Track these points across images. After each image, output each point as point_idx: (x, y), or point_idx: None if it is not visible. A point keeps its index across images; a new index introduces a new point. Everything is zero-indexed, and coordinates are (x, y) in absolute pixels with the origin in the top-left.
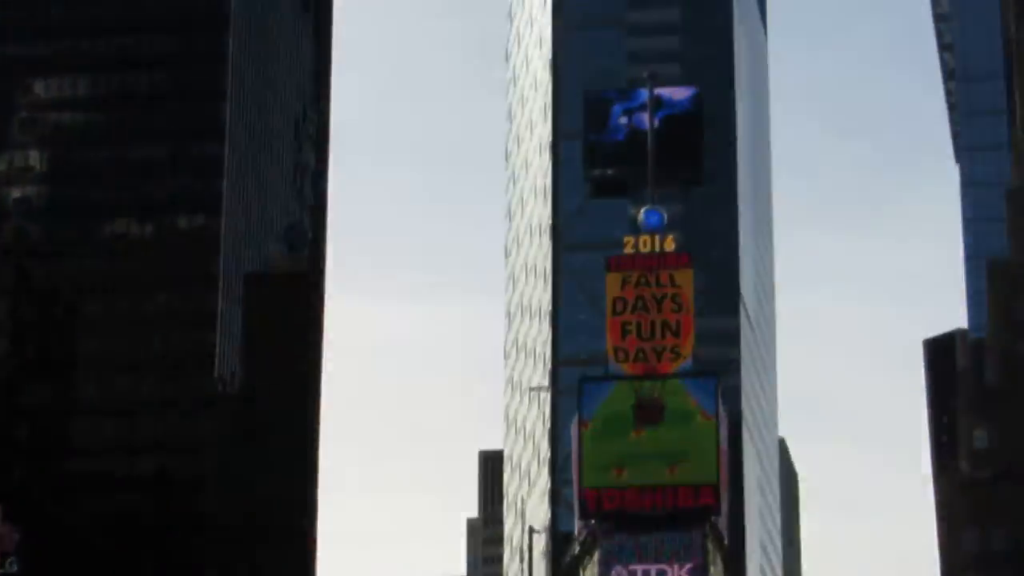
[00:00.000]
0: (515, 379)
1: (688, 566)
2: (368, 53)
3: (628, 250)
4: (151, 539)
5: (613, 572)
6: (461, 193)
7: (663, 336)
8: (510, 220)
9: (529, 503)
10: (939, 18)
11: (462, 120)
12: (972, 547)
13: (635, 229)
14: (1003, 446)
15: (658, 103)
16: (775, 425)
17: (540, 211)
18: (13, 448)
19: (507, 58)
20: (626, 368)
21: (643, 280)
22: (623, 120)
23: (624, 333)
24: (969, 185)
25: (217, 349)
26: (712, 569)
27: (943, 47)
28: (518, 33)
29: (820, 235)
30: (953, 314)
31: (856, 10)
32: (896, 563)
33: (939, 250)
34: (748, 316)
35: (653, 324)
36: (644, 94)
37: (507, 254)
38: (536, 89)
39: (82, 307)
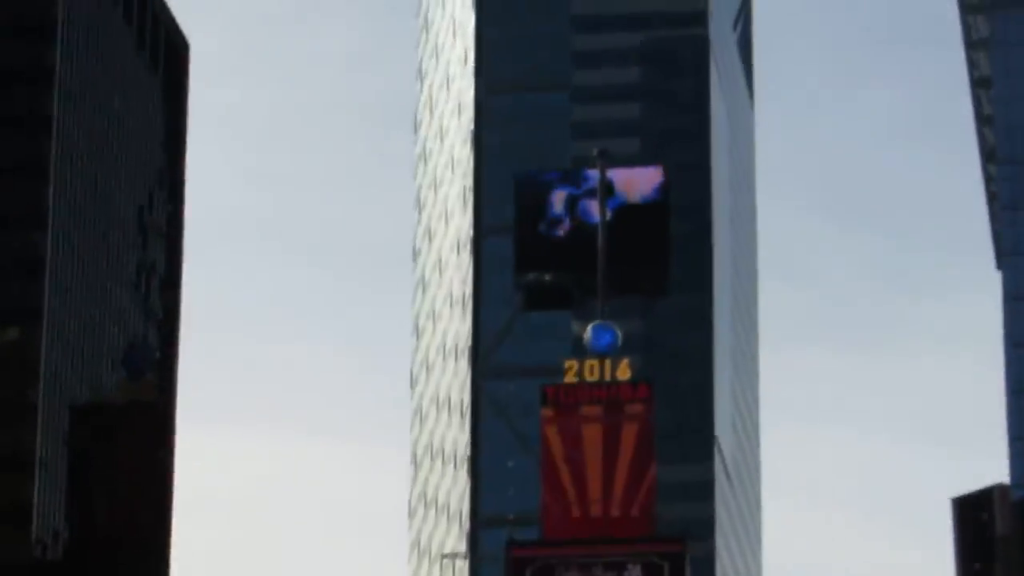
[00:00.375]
0: (422, 543)
1: None
2: (234, 122)
3: (570, 378)
4: None
5: None
6: (354, 304)
7: (613, 491)
8: (418, 338)
9: None
10: (978, 83)
11: (357, 209)
12: None
13: (580, 351)
14: None
15: (611, 189)
16: None
17: (457, 327)
18: None
19: (416, 128)
20: (566, 532)
21: (589, 417)
22: (565, 211)
23: (563, 486)
24: (1014, 298)
25: (35, 502)
26: None
27: (981, 120)
28: (430, 96)
29: (819, 356)
30: (990, 463)
31: (870, 72)
32: None
33: (972, 378)
34: (725, 463)
35: (601, 475)
36: (593, 177)
37: (414, 382)
38: (453, 170)
39: None
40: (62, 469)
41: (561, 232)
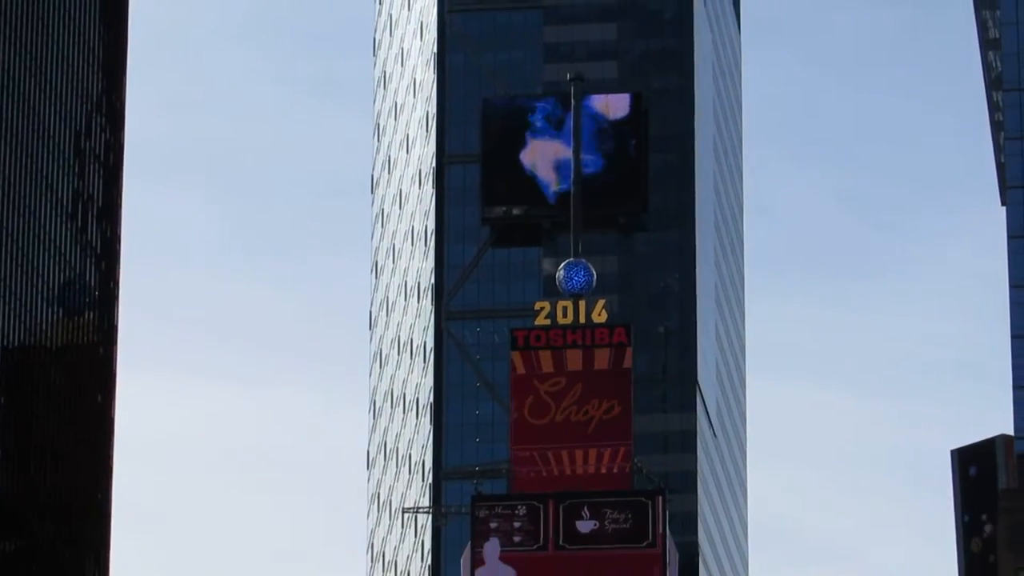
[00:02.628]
0: (381, 496)
1: None
2: (176, 43)
3: (541, 320)
4: None
5: None
6: (310, 238)
7: (588, 440)
8: (376, 276)
9: None
10: (982, 4)
11: (310, 137)
12: None
13: (552, 291)
14: None
15: (587, 114)
16: (745, 558)
17: (418, 265)
18: None
19: (374, 50)
20: (534, 484)
21: (562, 362)
22: (537, 137)
23: (533, 436)
24: (1019, 236)
25: None
26: None
27: (986, 44)
28: (390, 15)
29: (806, 302)
30: (993, 414)
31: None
32: None
33: (975, 325)
34: (708, 413)
35: (574, 424)
36: (566, 103)
37: (372, 324)
38: (415, 94)
39: None
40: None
41: (530, 162)
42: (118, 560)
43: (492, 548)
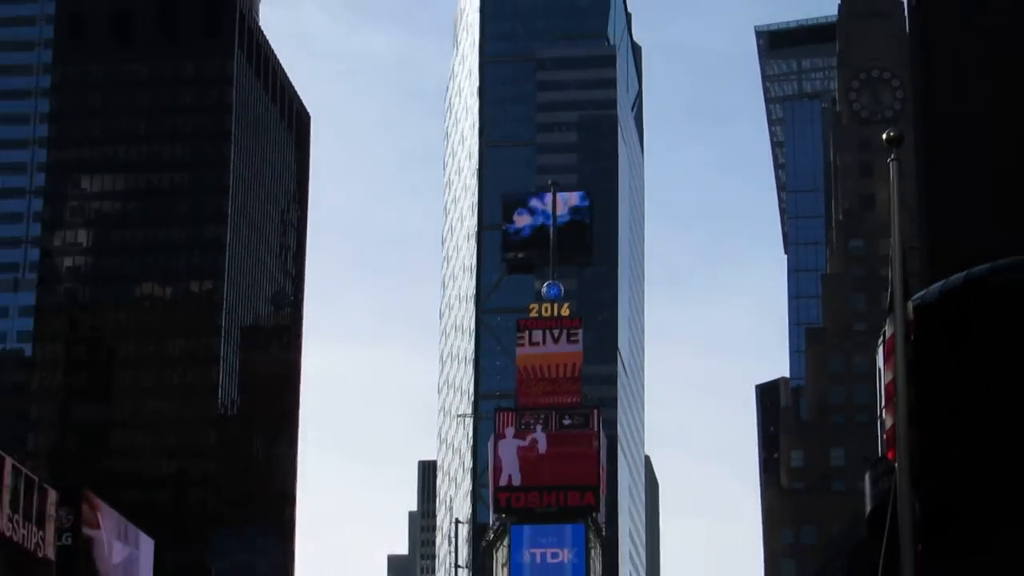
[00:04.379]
0: (446, 408)
1: (575, 550)
2: (338, 164)
3: (533, 314)
4: (170, 521)
5: (520, 553)
6: (405, 270)
7: (559, 378)
8: (443, 290)
9: (456, 501)
10: (776, 144)
11: (408, 213)
12: (789, 540)
13: (539, 299)
14: (812, 465)
15: (560, 201)
16: (642, 445)
17: (467, 284)
18: (66, 454)
19: (444, 167)
20: (530, 402)
21: (545, 337)
22: (532, 216)
23: (530, 376)
24: (794, 271)
25: (220, 381)
26: (592, 552)
27: (778, 166)
28: (452, 148)
29: (682, 305)
30: (779, 366)
31: (710, 138)
32: (731, 552)
33: (771, 319)
34: (623, 364)
35: (552, 369)
36: (548, 197)
37: (441, 315)
38: (465, 191)
39: (117, 350)
40: (236, 363)
41: (528, 230)
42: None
43: (508, 434)
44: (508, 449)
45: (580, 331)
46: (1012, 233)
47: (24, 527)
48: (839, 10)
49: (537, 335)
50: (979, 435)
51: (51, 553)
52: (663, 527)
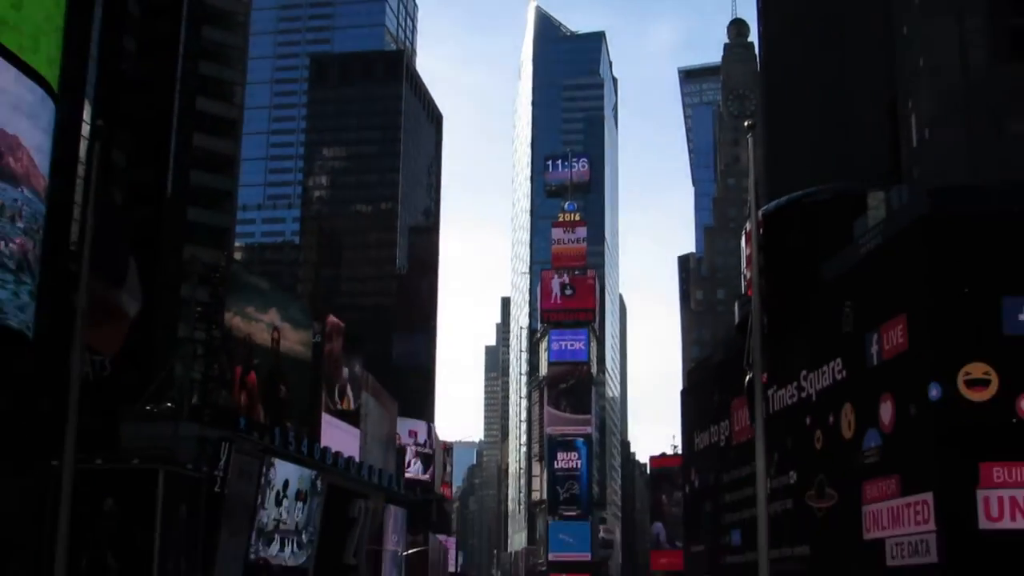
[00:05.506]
0: (515, 268)
1: (583, 341)
2: (457, 140)
3: (561, 218)
4: None
5: (554, 343)
6: (485, 200)
7: (574, 255)
8: (512, 207)
9: (520, 318)
10: (688, 129)
11: (498, 153)
12: (695, 337)
13: (563, 210)
14: (707, 300)
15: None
16: (618, 287)
17: (525, 202)
18: None
19: (513, 126)
20: (560, 264)
21: (566, 233)
22: (560, 168)
23: (560, 254)
24: (699, 196)
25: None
26: (592, 344)
27: (689, 141)
28: (518, 115)
29: (643, 211)
30: (690, 246)
31: (655, 126)
32: (668, 342)
33: (686, 221)
34: (607, 244)
35: (570, 249)
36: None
37: (511, 220)
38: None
39: None
40: (405, 253)
41: (560, 175)
42: None
43: (548, 279)
44: (548, 287)
45: (584, 228)
46: (817, 172)
47: None
48: (722, 58)
49: (558, 232)
50: (792, 287)
51: None
52: (629, 331)
